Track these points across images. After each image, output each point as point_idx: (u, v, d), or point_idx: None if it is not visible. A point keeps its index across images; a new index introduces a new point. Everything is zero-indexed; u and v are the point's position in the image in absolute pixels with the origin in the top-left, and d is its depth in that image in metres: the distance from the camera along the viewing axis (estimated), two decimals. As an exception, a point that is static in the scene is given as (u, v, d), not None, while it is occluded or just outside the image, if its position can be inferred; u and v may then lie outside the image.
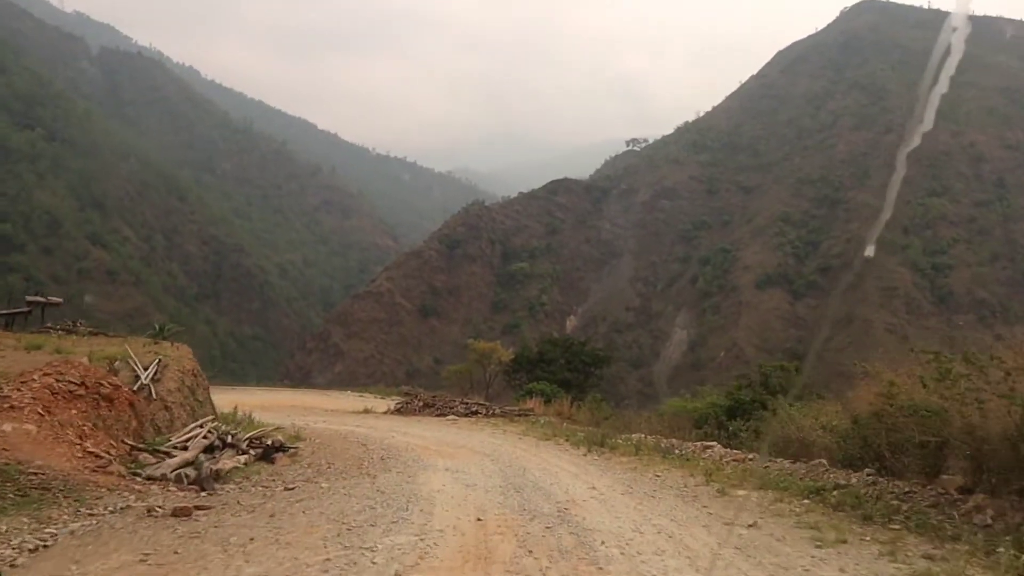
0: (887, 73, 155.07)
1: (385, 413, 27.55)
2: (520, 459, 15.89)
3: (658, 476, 13.86)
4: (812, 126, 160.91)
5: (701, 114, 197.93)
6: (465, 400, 28.31)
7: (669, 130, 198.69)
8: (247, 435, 15.26)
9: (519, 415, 25.28)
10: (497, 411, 25.92)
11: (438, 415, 25.85)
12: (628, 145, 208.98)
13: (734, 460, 14.99)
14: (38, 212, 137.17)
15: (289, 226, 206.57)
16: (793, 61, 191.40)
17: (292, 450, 15.26)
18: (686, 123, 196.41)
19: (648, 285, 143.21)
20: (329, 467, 13.93)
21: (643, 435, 19.07)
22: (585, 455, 16.64)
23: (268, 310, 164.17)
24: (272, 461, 14.08)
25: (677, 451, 16.06)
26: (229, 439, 14.43)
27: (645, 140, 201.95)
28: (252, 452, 14.23)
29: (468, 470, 14.00)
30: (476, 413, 25.15)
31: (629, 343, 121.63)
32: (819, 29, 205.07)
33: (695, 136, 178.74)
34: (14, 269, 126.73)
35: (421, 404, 27.53)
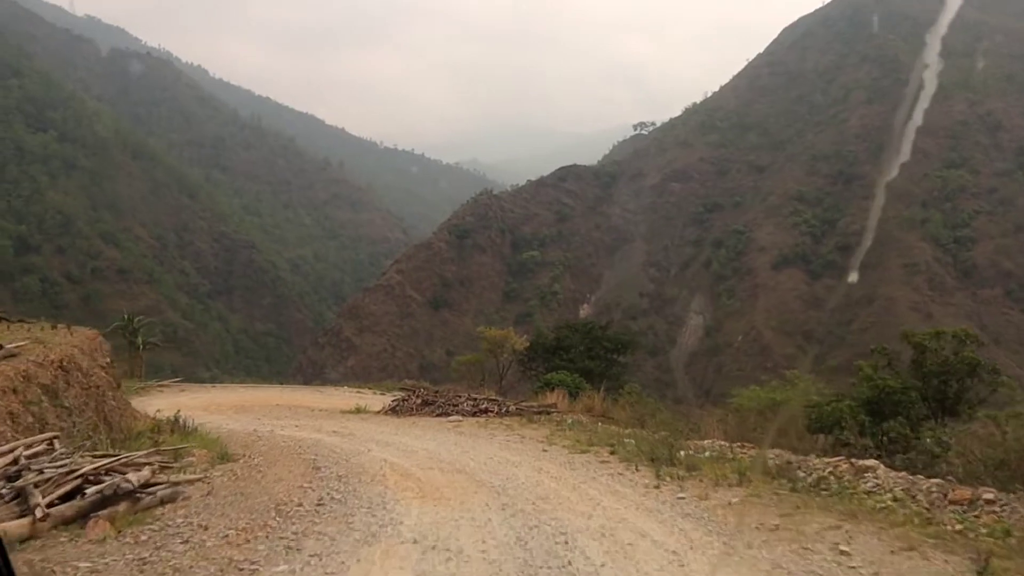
0: (897, 44, 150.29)
1: (379, 413, 23.43)
2: (550, 499, 10.07)
3: (843, 553, 7.65)
4: (823, 102, 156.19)
5: (709, 95, 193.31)
6: (473, 395, 23.47)
7: (676, 113, 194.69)
8: (94, 465, 8.79)
9: (539, 413, 20.86)
10: (512, 408, 21.41)
11: (439, 415, 21.53)
12: (636, 129, 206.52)
13: (951, 503, 8.93)
14: (51, 212, 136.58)
15: (299, 221, 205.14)
16: (801, 36, 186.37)
17: (178, 489, 9.50)
18: (694, 104, 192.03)
19: (661, 270, 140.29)
20: (189, 541, 7.73)
21: (723, 443, 13.95)
22: (656, 486, 10.78)
23: (280, 306, 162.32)
24: (86, 523, 7.88)
25: (804, 475, 10.17)
26: (35, 474, 8.25)
27: (653, 124, 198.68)
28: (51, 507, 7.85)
29: (456, 540, 8.10)
30: (486, 412, 20.90)
31: (644, 329, 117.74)
32: (826, 2, 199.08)
33: (703, 117, 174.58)
34: (30, 270, 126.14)
35: (419, 402, 22.86)
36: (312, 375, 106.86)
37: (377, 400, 29.44)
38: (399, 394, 31.06)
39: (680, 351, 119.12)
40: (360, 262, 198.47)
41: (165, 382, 30.22)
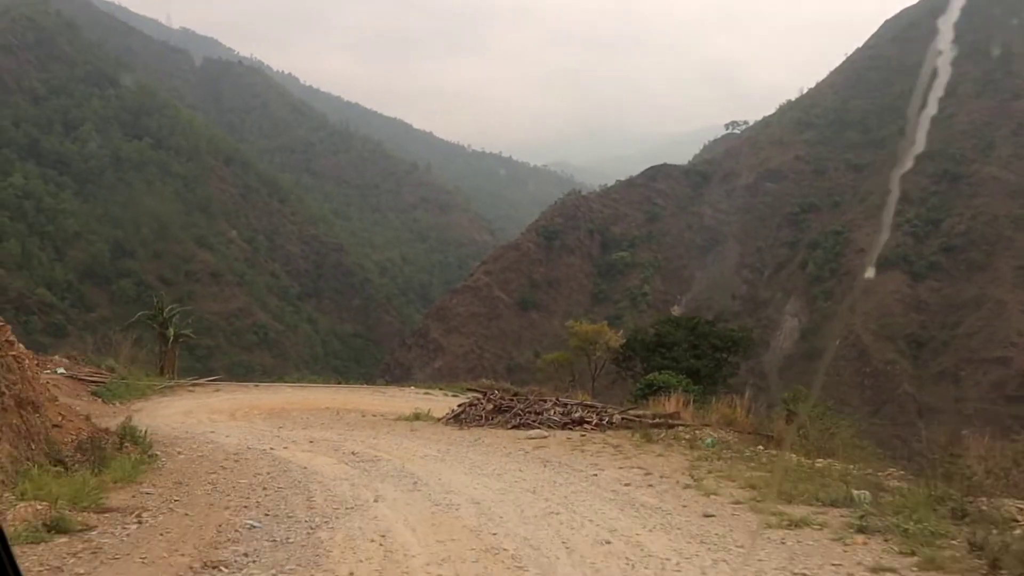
0: (1012, 35, 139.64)
1: (439, 421, 18.52)
2: None
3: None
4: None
5: (804, 91, 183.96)
6: (562, 399, 17.91)
7: (768, 111, 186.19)
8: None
9: (656, 425, 14.89)
10: (616, 418, 15.61)
11: (515, 427, 16.03)
12: (727, 128, 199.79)
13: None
14: (147, 218, 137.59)
15: (387, 224, 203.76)
16: (904, 28, 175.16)
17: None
18: (788, 102, 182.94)
19: (755, 272, 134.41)
20: None
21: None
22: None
23: (369, 308, 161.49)
24: None
25: None
26: None
27: (745, 122, 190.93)
28: None
29: None
30: (581, 423, 15.34)
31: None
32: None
33: (799, 114, 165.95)
34: (125, 274, 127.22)
35: (491, 408, 17.31)
36: (400, 376, 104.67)
37: (444, 404, 24.83)
38: (469, 397, 26.58)
39: (774, 355, 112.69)
40: (448, 264, 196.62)
41: (200, 381, 26.33)
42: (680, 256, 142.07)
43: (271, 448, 13.49)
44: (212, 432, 16.28)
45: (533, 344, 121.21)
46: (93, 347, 30.15)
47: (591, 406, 17.51)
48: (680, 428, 15.02)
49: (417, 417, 19.83)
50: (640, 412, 16.61)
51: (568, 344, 43.09)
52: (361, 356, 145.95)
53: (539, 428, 15.56)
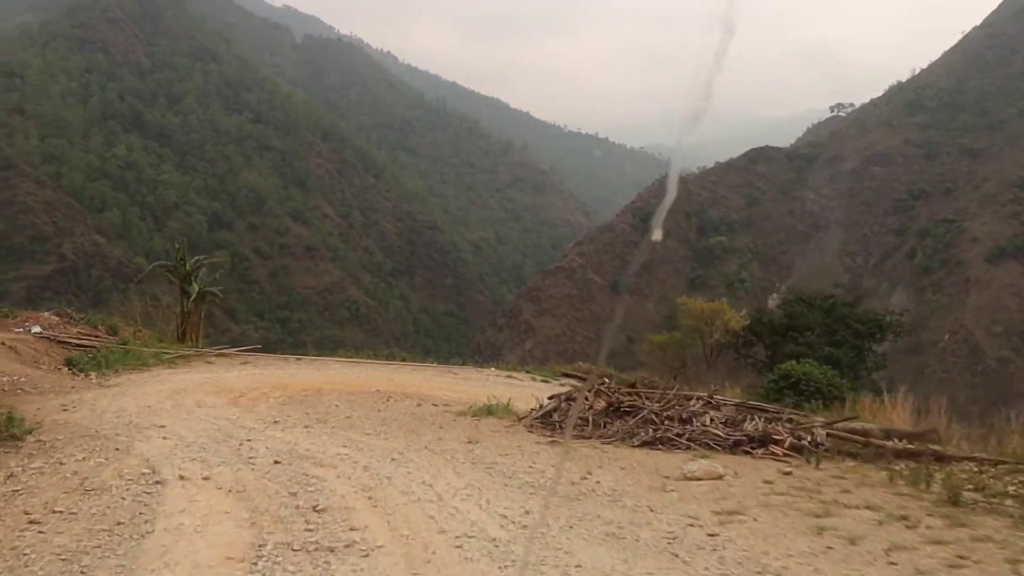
0: None
1: (520, 421, 11.94)
2: None
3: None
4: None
5: (916, 72, 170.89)
6: (715, 398, 10.86)
7: (876, 93, 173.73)
8: None
9: (909, 455, 8.11)
10: (820, 437, 8.84)
11: (648, 445, 9.29)
12: (832, 111, 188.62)
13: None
14: (244, 191, 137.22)
15: (482, 203, 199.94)
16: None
17: None
18: (898, 83, 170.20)
19: (859, 260, 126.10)
20: None
21: None
22: None
23: (461, 286, 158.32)
24: None
25: None
26: None
27: (851, 105, 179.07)
28: None
29: None
30: (763, 442, 8.78)
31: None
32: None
33: (910, 96, 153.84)
34: (222, 245, 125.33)
35: (602, 406, 10.66)
36: (490, 356, 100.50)
37: (529, 392, 18.40)
38: (564, 384, 20.15)
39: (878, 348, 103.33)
40: (541, 245, 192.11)
41: (228, 350, 20.65)
42: (780, 242, 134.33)
43: (181, 475, 7.17)
44: (164, 427, 10.27)
45: (626, 328, 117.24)
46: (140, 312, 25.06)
47: (762, 409, 10.63)
48: (951, 462, 7.88)
49: (489, 411, 13.40)
50: (858, 427, 9.54)
51: (678, 324, 36.46)
52: (452, 335, 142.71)
53: (693, 448, 8.77)
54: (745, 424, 9.47)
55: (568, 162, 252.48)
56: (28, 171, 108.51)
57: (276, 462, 7.93)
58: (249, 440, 9.37)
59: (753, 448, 8.85)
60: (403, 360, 25.39)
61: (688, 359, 34.08)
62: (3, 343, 15.61)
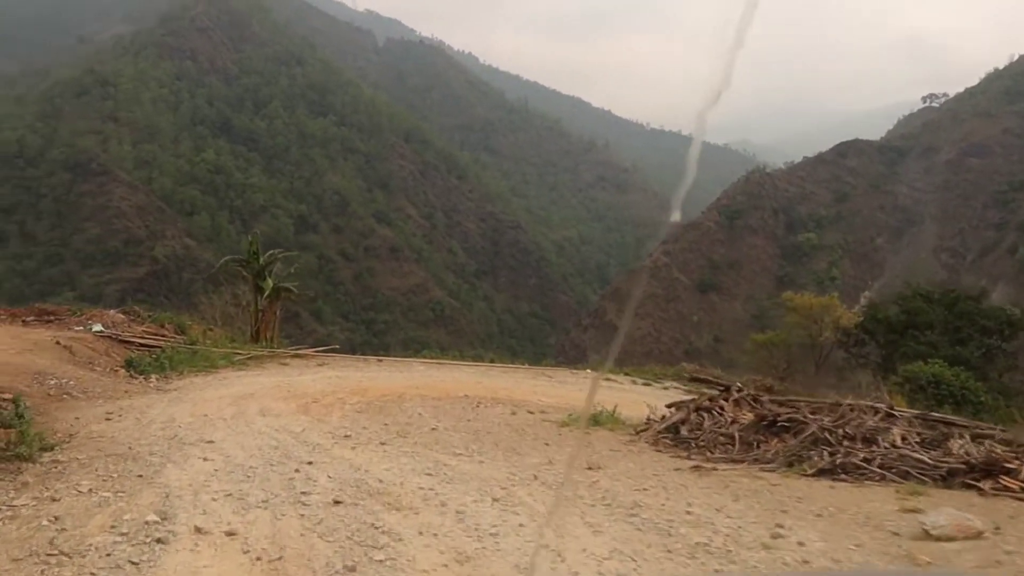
0: None
1: (640, 434, 9.69)
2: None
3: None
4: None
5: (1015, 58, 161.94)
6: (894, 409, 8.08)
7: (972, 83, 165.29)
8: None
9: None
10: None
11: (826, 474, 6.81)
12: (924, 102, 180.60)
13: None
14: (329, 193, 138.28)
15: (564, 203, 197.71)
16: None
17: None
18: (995, 70, 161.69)
19: (956, 256, 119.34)
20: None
21: None
22: None
23: (545, 287, 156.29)
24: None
25: None
26: None
27: (944, 95, 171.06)
28: None
29: None
30: (995, 471, 6.15)
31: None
32: None
33: (1008, 83, 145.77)
34: (308, 247, 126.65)
35: (750, 420, 7.92)
36: (575, 358, 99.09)
37: (632, 397, 16.33)
38: (679, 390, 17.97)
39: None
40: (625, 244, 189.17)
41: (305, 351, 18.99)
42: (872, 238, 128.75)
43: (197, 527, 5.18)
44: (212, 442, 8.52)
45: (713, 328, 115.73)
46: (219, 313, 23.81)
47: (948, 423, 8.18)
48: None
49: (596, 421, 11.31)
50: None
51: (783, 322, 33.78)
52: (536, 335, 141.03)
53: (890, 478, 6.42)
54: (951, 445, 7.08)
55: (650, 159, 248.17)
56: (122, 176, 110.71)
57: (336, 502, 5.91)
58: (310, 463, 7.43)
59: (975, 480, 6.48)
60: (491, 362, 23.47)
61: (793, 359, 31.34)
62: (58, 342, 14.16)
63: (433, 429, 10.59)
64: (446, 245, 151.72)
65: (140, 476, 6.60)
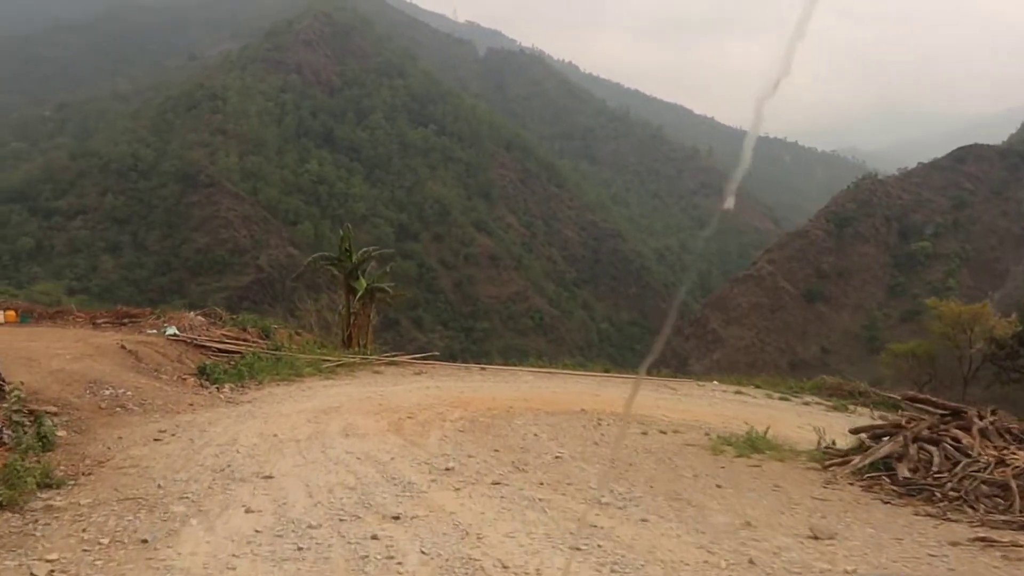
0: None
1: (838, 467, 7.33)
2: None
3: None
4: None
5: None
6: None
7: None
8: None
9: None
10: None
11: None
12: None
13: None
14: (430, 202, 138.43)
15: (666, 211, 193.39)
16: None
17: None
18: None
19: None
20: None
21: None
22: None
23: (645, 295, 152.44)
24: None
25: None
26: None
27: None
28: None
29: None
30: None
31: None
32: None
33: None
34: (408, 256, 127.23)
35: (993, 455, 5.41)
36: (677, 367, 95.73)
37: (773, 412, 13.80)
38: (821, 406, 15.54)
39: None
40: (728, 252, 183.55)
41: (400, 357, 16.89)
42: (992, 247, 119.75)
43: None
44: (271, 478, 6.32)
45: (819, 339, 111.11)
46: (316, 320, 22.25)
47: None
48: None
49: (752, 446, 8.80)
50: None
51: (930, 330, 30.40)
52: (636, 344, 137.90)
53: None
54: None
55: (755, 167, 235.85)
56: (228, 187, 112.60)
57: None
58: (396, 518, 5.17)
59: None
60: (606, 371, 21.00)
61: (939, 372, 27.98)
62: (123, 346, 12.43)
63: (557, 458, 8.25)
64: (546, 253, 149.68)
65: (144, 542, 4.48)
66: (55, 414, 9.10)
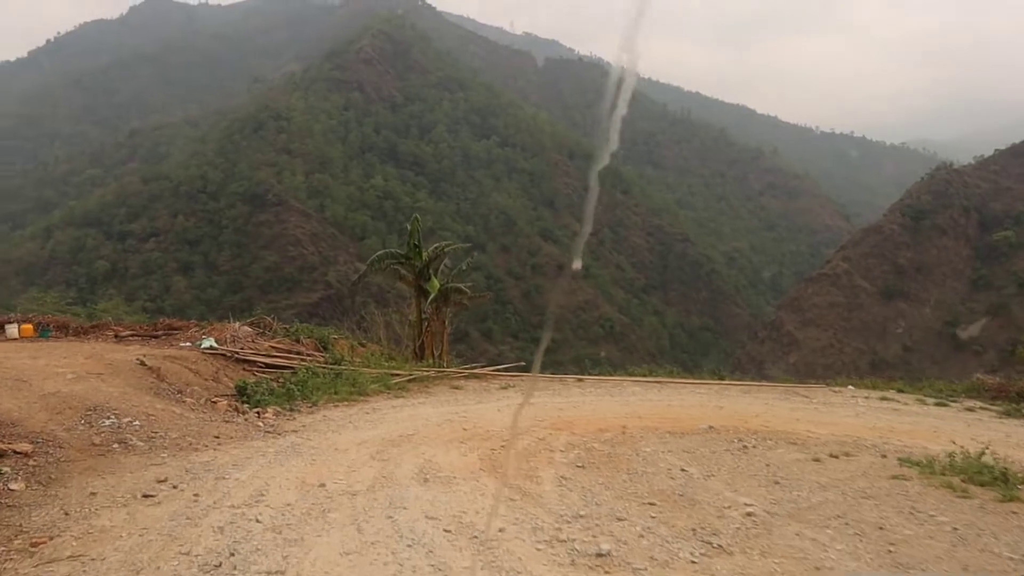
0: None
1: None
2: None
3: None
4: None
5: None
6: None
7: None
8: None
9: None
10: None
11: None
12: None
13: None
14: (495, 213, 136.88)
15: (733, 213, 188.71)
16: None
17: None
18: None
19: None
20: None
21: None
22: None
23: (716, 300, 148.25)
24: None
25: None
26: None
27: None
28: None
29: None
30: None
31: None
32: None
33: None
34: (476, 267, 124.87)
35: None
36: (752, 371, 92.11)
37: (937, 423, 10.69)
38: (988, 411, 12.49)
39: None
40: (799, 253, 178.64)
41: (480, 368, 14.03)
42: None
43: None
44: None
45: (900, 337, 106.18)
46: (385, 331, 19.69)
47: None
48: None
49: (1001, 478, 5.66)
50: None
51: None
52: (709, 350, 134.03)
53: None
54: None
55: (822, 164, 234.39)
56: (296, 205, 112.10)
57: None
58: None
59: None
60: (720, 379, 17.83)
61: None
62: (142, 363, 9.84)
63: (748, 514, 5.23)
64: (614, 260, 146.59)
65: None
66: (25, 455, 6.48)
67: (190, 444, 7.34)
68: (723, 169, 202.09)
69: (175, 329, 14.27)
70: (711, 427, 10.54)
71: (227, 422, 8.51)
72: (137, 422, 7.79)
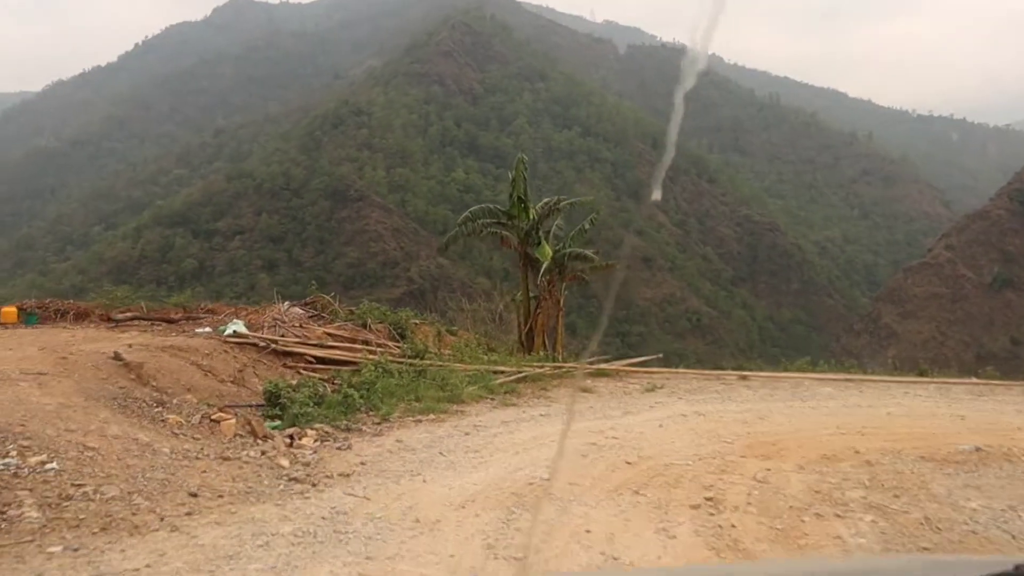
0: None
1: None
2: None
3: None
4: None
5: None
6: None
7: None
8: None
9: None
10: None
11: None
12: None
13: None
14: (578, 205, 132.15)
15: (825, 201, 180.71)
16: None
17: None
18: None
19: None
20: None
21: None
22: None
23: (808, 291, 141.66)
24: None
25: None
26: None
27: None
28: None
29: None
30: None
31: None
32: None
33: None
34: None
35: None
36: (850, 367, 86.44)
37: None
38: None
39: None
40: (896, 241, 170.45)
41: (611, 363, 10.12)
42: None
43: None
44: None
45: (1009, 328, 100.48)
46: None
47: None
48: None
49: None
50: None
51: None
52: (801, 343, 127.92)
53: None
54: None
55: (920, 149, 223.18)
56: (377, 201, 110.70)
57: None
58: None
59: None
60: (908, 377, 13.53)
61: None
62: (118, 357, 6.26)
63: None
64: (700, 252, 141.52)
65: None
66: None
67: (130, 516, 3.68)
68: (813, 156, 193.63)
69: (209, 313, 10.84)
70: (978, 448, 6.55)
71: (226, 459, 4.80)
72: (56, 464, 4.18)
